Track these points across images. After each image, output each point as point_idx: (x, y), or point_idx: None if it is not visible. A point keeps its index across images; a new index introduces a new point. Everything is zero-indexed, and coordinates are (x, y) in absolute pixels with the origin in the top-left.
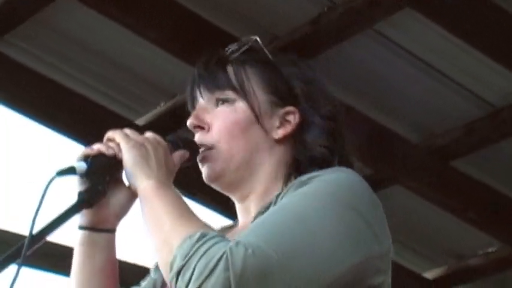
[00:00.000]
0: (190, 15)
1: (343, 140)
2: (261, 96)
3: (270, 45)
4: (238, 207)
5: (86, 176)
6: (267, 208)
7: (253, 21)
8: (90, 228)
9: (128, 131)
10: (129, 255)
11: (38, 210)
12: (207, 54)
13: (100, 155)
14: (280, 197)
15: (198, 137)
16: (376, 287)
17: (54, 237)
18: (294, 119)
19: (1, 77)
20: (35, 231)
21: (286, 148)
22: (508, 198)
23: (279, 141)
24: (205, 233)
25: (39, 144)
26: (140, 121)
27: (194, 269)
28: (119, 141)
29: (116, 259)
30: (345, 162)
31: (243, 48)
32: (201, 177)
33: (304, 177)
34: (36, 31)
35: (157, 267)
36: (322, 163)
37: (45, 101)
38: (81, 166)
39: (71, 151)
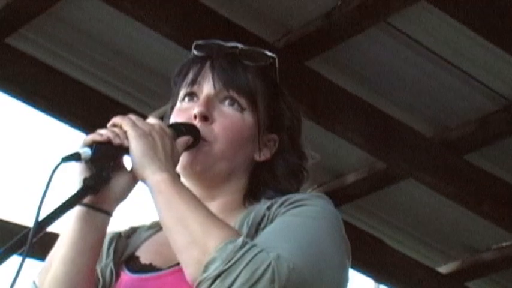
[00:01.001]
0: (202, 9)
1: (306, 180)
2: (262, 116)
3: (283, 39)
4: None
5: (90, 162)
6: (261, 218)
7: (267, 15)
8: (89, 205)
9: (133, 117)
10: None
11: (43, 196)
12: (217, 42)
13: (105, 142)
14: (273, 210)
15: (199, 127)
16: None
17: (57, 229)
18: (273, 146)
19: (15, 71)
20: (40, 218)
21: (257, 171)
22: None
23: (256, 163)
24: (246, 240)
25: (52, 137)
26: (152, 114)
27: (238, 276)
28: (126, 129)
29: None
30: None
31: (263, 63)
32: None
33: (290, 197)
34: (49, 25)
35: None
36: (286, 192)
37: (57, 94)
38: (86, 152)
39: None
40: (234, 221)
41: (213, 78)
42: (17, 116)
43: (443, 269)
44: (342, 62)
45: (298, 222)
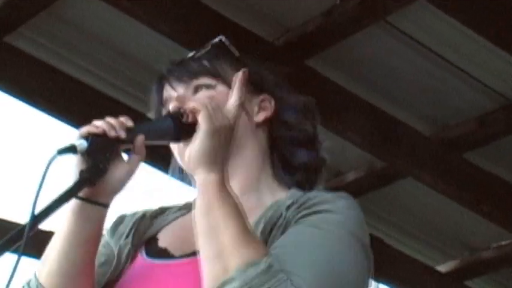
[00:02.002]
0: (201, 7)
1: (316, 122)
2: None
3: (283, 37)
4: None
5: (86, 154)
6: (278, 218)
7: (266, 14)
8: (85, 199)
9: (211, 107)
10: None
11: (39, 189)
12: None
13: (101, 134)
14: (291, 211)
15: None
16: None
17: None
18: (269, 104)
19: (14, 70)
20: (36, 212)
21: (265, 133)
22: None
23: (259, 125)
24: (271, 264)
25: (50, 135)
26: (152, 114)
27: None
28: (200, 120)
29: (101, 235)
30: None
31: (209, 48)
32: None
33: (312, 197)
34: (48, 24)
35: (113, 231)
36: (305, 141)
37: (56, 93)
38: (82, 144)
39: None
40: (255, 214)
41: (171, 85)
42: (15, 115)
43: (442, 268)
44: (341, 60)
45: (320, 239)
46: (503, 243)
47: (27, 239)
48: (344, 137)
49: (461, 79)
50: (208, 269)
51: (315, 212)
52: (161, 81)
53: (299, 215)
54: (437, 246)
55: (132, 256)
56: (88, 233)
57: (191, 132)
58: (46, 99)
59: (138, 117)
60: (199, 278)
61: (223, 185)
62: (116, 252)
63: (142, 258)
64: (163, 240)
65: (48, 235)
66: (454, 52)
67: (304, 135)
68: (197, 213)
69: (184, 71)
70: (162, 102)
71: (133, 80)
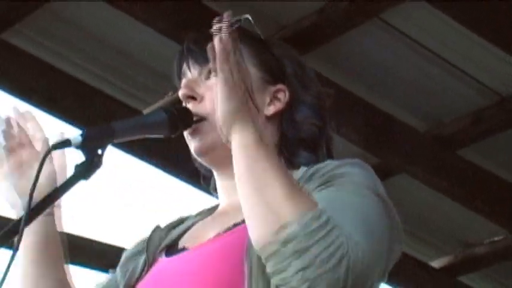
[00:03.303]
0: (196, 4)
1: (330, 121)
2: (253, 72)
3: (278, 35)
4: (223, 184)
5: (81, 148)
6: None
7: (260, 11)
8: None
9: (234, 55)
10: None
11: (35, 184)
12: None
13: (94, 127)
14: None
15: (190, 108)
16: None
17: None
18: (284, 97)
19: (10, 67)
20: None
21: (274, 126)
22: None
23: (269, 119)
24: (324, 211)
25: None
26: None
27: (313, 247)
28: (220, 74)
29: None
30: (330, 143)
31: (235, 26)
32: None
33: (322, 169)
34: (45, 21)
35: (123, 265)
36: (310, 143)
37: (52, 90)
38: (77, 139)
39: None
40: None
41: (187, 63)
42: (11, 112)
43: (435, 264)
44: (335, 57)
45: (351, 199)
46: (496, 239)
47: (22, 232)
48: (337, 133)
49: (455, 76)
50: (258, 223)
51: (331, 178)
52: (181, 55)
53: (315, 185)
54: (431, 242)
55: (150, 263)
56: (54, 231)
57: (187, 122)
58: (42, 96)
59: (134, 115)
60: (220, 253)
61: (261, 141)
62: (129, 268)
63: (162, 259)
64: (183, 241)
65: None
66: (448, 49)
67: (310, 137)
68: (238, 174)
69: (200, 55)
70: (180, 76)
71: (129, 77)
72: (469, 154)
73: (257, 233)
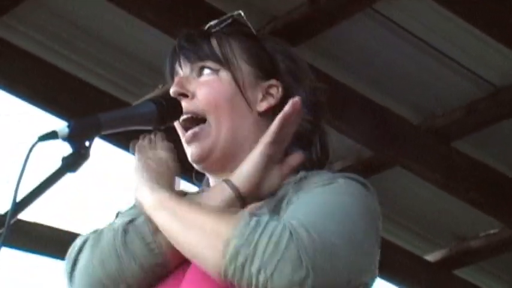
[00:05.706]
0: None
1: (324, 116)
2: (244, 68)
3: (269, 26)
4: (216, 181)
5: (67, 140)
6: (279, 200)
7: (251, 2)
8: None
9: (142, 144)
10: None
11: (20, 177)
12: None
13: (80, 118)
14: (289, 192)
15: (183, 105)
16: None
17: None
18: (276, 92)
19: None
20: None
21: (268, 123)
22: (509, 179)
23: (262, 115)
24: (259, 219)
25: (35, 127)
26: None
27: (258, 243)
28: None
29: None
30: (325, 138)
31: (227, 22)
32: None
33: (315, 176)
34: (33, 13)
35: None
36: (302, 139)
37: (41, 83)
38: (63, 130)
39: None
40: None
41: (179, 62)
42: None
43: (431, 257)
44: (327, 48)
45: (325, 198)
46: (491, 231)
47: (8, 226)
48: (331, 126)
49: (449, 67)
50: (206, 253)
51: (315, 188)
52: (173, 54)
53: (297, 194)
54: (425, 235)
55: None
56: None
57: (176, 114)
58: (30, 88)
59: (123, 106)
60: None
61: (173, 196)
62: None
63: None
64: None
65: (31, 226)
66: (442, 40)
67: (303, 133)
68: (163, 229)
69: (192, 53)
70: (172, 74)
71: (119, 70)
72: (463, 146)
73: (211, 263)
